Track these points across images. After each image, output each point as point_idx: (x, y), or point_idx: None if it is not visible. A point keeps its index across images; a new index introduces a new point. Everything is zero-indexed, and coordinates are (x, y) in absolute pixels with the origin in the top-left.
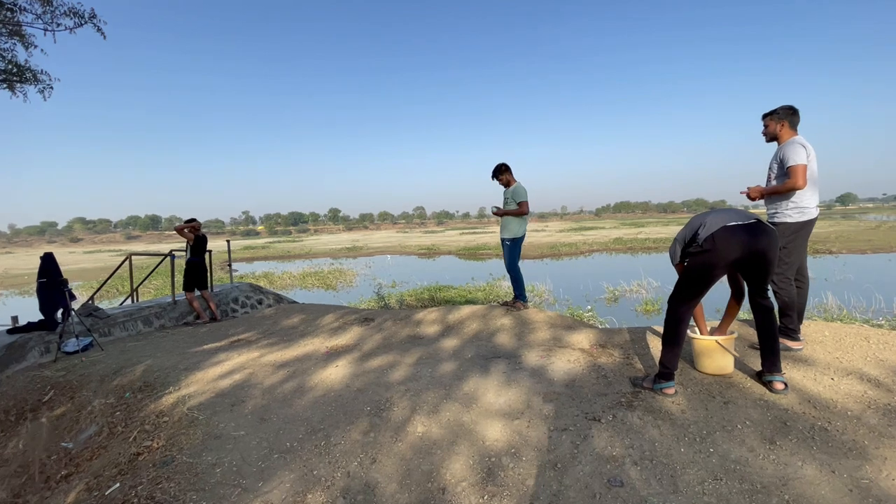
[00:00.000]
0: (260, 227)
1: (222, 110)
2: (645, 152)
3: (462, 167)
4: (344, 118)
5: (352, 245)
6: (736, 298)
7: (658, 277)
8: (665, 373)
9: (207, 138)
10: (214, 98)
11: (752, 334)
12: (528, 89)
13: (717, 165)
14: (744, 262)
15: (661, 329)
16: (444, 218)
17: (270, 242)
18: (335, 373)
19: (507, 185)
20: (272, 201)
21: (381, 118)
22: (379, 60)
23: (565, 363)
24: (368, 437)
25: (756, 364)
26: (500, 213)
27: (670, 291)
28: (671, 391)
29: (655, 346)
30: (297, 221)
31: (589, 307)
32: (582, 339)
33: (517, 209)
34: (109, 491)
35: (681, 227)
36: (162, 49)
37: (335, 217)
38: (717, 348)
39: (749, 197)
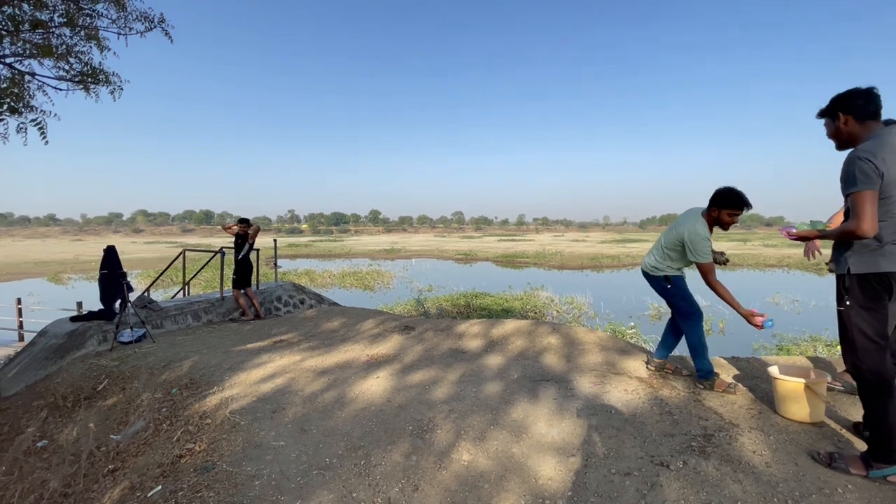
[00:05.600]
0: (304, 226)
1: (270, 109)
2: (695, 160)
3: (502, 172)
4: (389, 122)
5: (390, 247)
6: None
7: (707, 296)
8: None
9: (257, 136)
10: (260, 96)
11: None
12: (576, 93)
13: (772, 177)
14: None
15: (725, 361)
16: (482, 224)
17: (313, 241)
18: (376, 385)
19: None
20: (316, 201)
21: (426, 122)
22: (432, 62)
23: (622, 393)
24: (410, 461)
25: (852, 413)
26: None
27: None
28: None
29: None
30: (339, 222)
31: (632, 323)
32: (639, 366)
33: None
34: (152, 493)
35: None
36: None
37: (375, 219)
38: (805, 392)
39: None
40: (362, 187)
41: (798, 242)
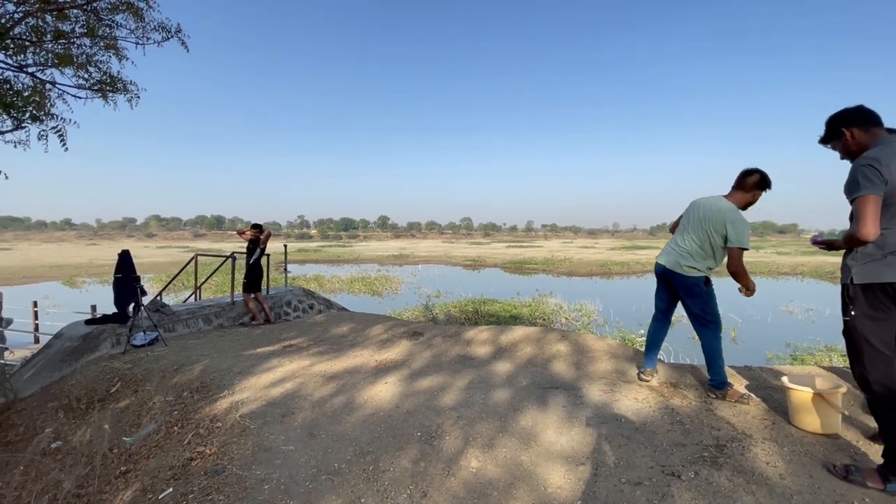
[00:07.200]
0: (313, 231)
1: (278, 114)
2: (709, 165)
3: (510, 179)
4: (396, 126)
5: (399, 253)
6: None
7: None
8: None
9: (268, 140)
10: (268, 101)
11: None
12: (579, 98)
13: (788, 182)
14: None
15: (737, 371)
16: (490, 230)
17: (322, 246)
18: (384, 390)
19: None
20: (326, 207)
21: (431, 126)
22: (446, 65)
23: (633, 402)
24: (419, 467)
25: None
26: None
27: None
28: None
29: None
30: (348, 227)
31: (642, 331)
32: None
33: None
34: (163, 495)
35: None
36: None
37: (384, 224)
38: (820, 402)
39: None
40: (371, 193)
41: (813, 249)
